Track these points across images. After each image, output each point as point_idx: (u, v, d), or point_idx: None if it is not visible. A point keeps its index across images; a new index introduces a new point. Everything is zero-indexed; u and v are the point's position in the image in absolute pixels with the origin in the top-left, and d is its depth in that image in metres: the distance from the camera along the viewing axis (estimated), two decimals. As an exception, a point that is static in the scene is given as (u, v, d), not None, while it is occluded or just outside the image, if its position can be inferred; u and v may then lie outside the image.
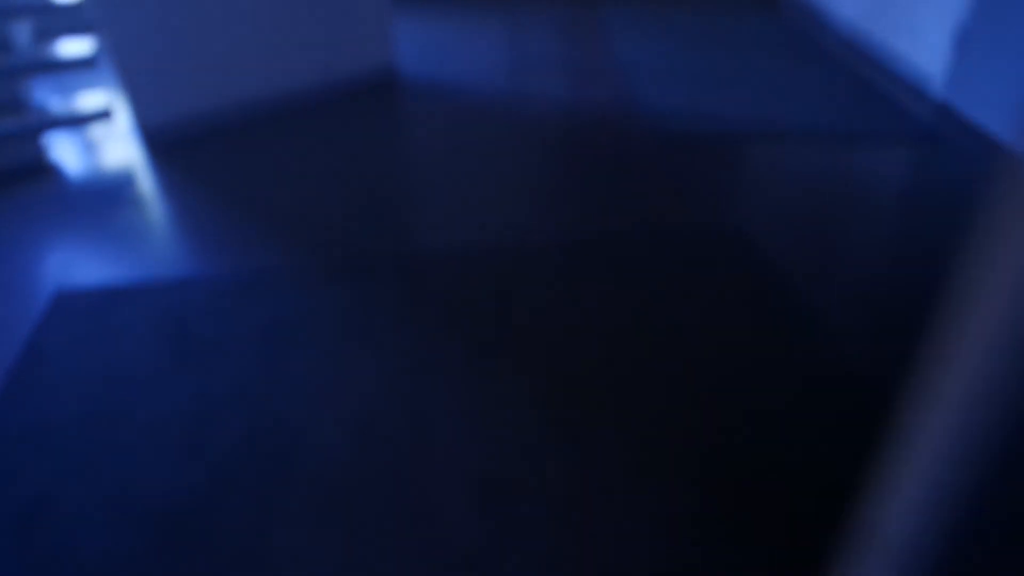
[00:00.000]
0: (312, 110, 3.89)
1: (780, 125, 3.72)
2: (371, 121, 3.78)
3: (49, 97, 3.90)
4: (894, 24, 4.42)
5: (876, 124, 3.76)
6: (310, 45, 3.87)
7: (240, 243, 2.81)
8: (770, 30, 5.10)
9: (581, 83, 4.24)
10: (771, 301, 2.51)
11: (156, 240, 2.82)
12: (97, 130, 3.63)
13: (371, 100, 4.01)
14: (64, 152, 3.44)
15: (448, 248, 2.79)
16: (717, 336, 2.37)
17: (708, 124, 3.73)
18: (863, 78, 4.32)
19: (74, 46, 3.36)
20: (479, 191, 3.17)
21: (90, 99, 3.42)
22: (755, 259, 2.72)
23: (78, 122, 3.31)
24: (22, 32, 3.37)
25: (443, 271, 2.66)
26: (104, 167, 3.32)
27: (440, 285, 2.59)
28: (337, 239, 2.85)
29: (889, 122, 3.79)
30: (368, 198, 3.12)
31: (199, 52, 3.51)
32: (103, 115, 3.36)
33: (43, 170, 3.28)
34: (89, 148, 3.48)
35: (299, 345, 2.30)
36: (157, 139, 3.53)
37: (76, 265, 2.69)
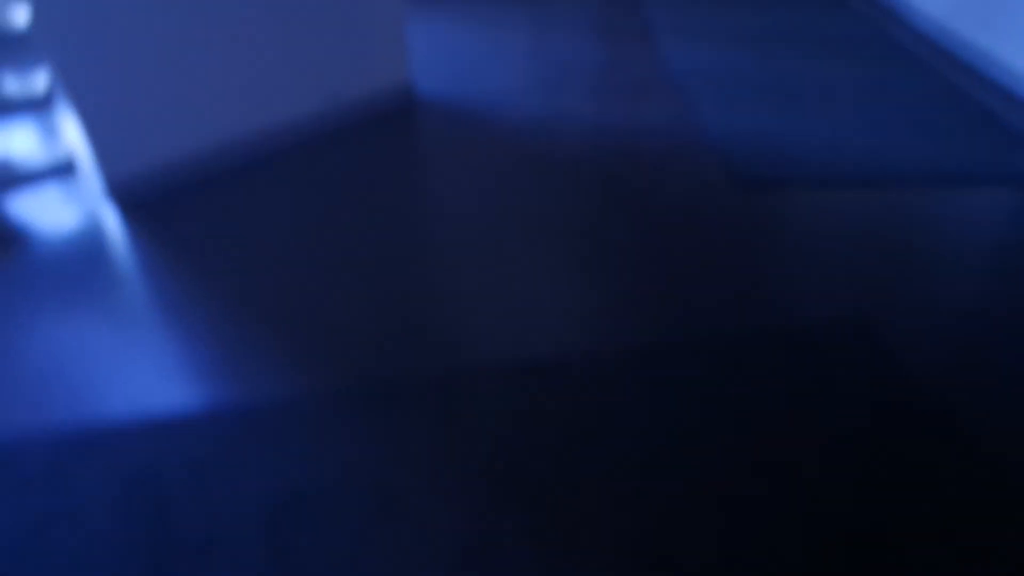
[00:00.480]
0: (316, 148, 3.24)
1: (885, 161, 3.08)
2: (386, 163, 3.13)
3: None
4: (992, 22, 3.75)
5: (995, 156, 3.13)
6: (312, 68, 3.20)
7: (232, 356, 2.21)
8: (842, 27, 4.41)
9: (630, 101, 3.59)
10: (934, 447, 1.93)
11: (123, 355, 2.21)
12: (54, 189, 2.98)
13: (385, 132, 3.36)
14: (2, 223, 2.80)
15: (489, 362, 2.19)
16: (856, 504, 1.80)
17: (794, 163, 3.09)
18: (958, 88, 3.67)
19: (22, 82, 2.70)
20: (520, 273, 2.56)
21: (45, 149, 2.78)
22: (896, 374, 2.13)
23: (29, 179, 2.68)
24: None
25: (487, 400, 2.06)
26: (59, 240, 2.67)
27: (488, 423, 2.00)
28: (353, 344, 2.25)
29: (1009, 151, 3.15)
30: (386, 281, 2.50)
31: (177, 84, 2.84)
32: (63, 169, 2.73)
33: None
34: (41, 213, 2.82)
35: (319, 535, 1.72)
36: (130, 196, 2.89)
37: (10, 396, 2.09)
